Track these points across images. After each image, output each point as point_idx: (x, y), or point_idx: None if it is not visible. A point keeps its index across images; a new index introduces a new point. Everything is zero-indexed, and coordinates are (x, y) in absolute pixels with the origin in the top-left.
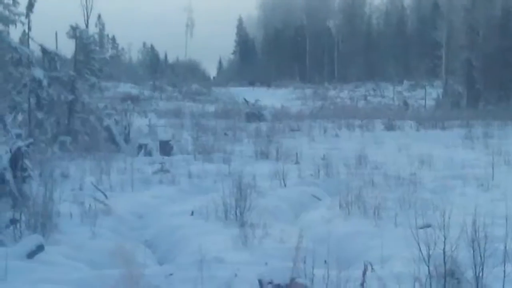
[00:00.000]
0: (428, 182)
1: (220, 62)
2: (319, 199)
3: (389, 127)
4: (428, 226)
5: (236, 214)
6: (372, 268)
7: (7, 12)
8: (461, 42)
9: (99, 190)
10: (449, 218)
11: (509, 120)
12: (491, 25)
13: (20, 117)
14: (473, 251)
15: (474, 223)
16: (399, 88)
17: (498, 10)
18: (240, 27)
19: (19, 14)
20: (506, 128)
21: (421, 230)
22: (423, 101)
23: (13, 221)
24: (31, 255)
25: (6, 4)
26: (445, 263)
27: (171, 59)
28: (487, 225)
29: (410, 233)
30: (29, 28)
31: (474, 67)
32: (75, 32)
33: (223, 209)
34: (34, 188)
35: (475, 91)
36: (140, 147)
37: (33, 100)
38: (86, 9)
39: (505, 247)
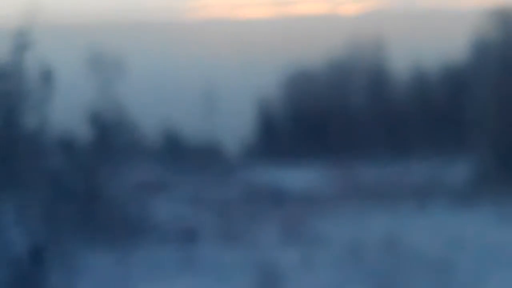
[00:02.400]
0: None
1: (243, 144)
2: None
3: None
4: None
5: None
6: None
7: None
8: None
9: None
10: None
11: None
12: None
13: (39, 209)
14: None
15: None
16: None
17: None
18: (261, 110)
19: (35, 103)
20: None
21: None
22: None
23: None
24: None
25: None
26: None
27: (193, 142)
28: None
29: None
30: (46, 116)
31: None
32: (94, 118)
33: None
34: (57, 282)
35: None
36: (164, 235)
37: (52, 191)
38: (105, 93)
39: None
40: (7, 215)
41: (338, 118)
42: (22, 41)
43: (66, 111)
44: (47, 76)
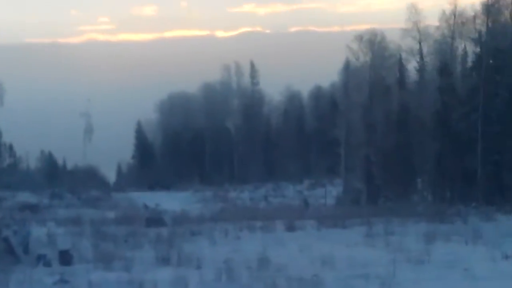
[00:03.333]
0: (331, 282)
1: (119, 167)
2: None
3: (290, 228)
4: None
5: None
6: None
7: None
8: (359, 139)
9: None
10: None
11: (409, 216)
12: (389, 121)
13: None
14: None
15: None
16: (299, 187)
17: (396, 106)
18: (139, 131)
19: None
20: (406, 224)
21: None
22: (324, 199)
23: None
24: None
25: None
26: None
27: (69, 165)
28: None
29: None
30: None
31: (373, 163)
32: None
33: None
34: None
35: (374, 187)
36: (39, 257)
37: None
38: None
39: None
40: None
41: (214, 140)
42: None
43: None
44: None
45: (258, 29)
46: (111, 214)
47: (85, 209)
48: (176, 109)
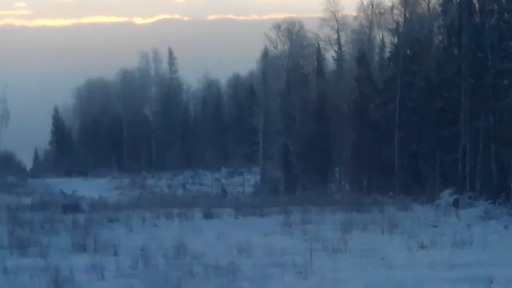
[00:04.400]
0: (247, 270)
1: (36, 153)
2: None
3: (208, 215)
4: None
5: None
6: None
7: None
8: (277, 128)
9: None
10: None
11: (326, 205)
12: (307, 110)
13: None
14: None
15: None
16: (217, 175)
17: (314, 95)
18: (56, 117)
19: None
20: (323, 213)
21: None
22: (242, 187)
23: None
24: None
25: None
26: None
27: None
28: None
29: None
30: None
31: (291, 152)
32: None
33: None
34: None
35: (292, 176)
36: None
37: None
38: None
39: None
40: None
41: (132, 128)
42: None
43: None
44: None
45: (177, 16)
46: (27, 200)
47: (1, 195)
48: (93, 95)
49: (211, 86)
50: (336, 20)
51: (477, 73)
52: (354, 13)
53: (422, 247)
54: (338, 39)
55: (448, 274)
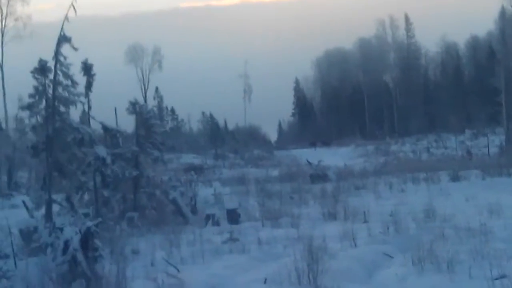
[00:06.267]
0: (500, 231)
1: (280, 125)
2: (391, 257)
3: (455, 178)
4: (504, 276)
5: (309, 278)
6: None
7: (66, 94)
8: None
9: (171, 264)
10: None
11: None
12: None
13: (86, 197)
14: None
15: None
16: (461, 138)
17: None
18: (297, 89)
19: (78, 95)
20: None
21: (497, 281)
22: (486, 149)
23: None
24: None
25: (65, 86)
26: None
27: (231, 126)
28: None
29: (486, 285)
30: (89, 107)
31: None
32: (134, 108)
33: (296, 275)
34: (106, 267)
35: None
36: (208, 217)
37: (98, 179)
38: (143, 83)
39: None
40: None
41: (372, 95)
42: None
43: (107, 101)
44: (87, 68)
45: None
46: (274, 172)
47: (249, 168)
48: (333, 65)
49: (449, 49)
50: None
51: None
52: None
53: None
54: None
55: None
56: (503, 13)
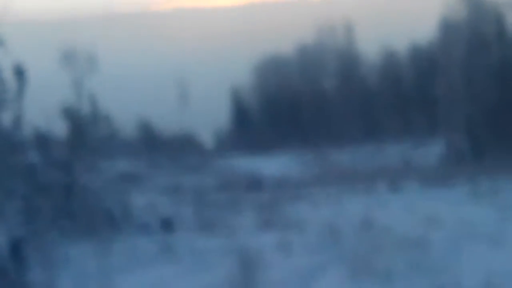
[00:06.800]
0: (439, 242)
1: (217, 133)
2: (327, 267)
3: (393, 188)
4: None
5: None
6: None
7: None
8: (459, 96)
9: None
10: None
11: None
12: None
13: (16, 204)
14: None
15: None
16: (401, 147)
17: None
18: (235, 96)
19: (10, 100)
20: None
21: None
22: (426, 158)
23: None
24: None
25: None
26: None
27: (167, 134)
28: None
29: None
30: (21, 112)
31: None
32: (68, 113)
33: (230, 286)
34: (36, 276)
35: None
36: (141, 226)
37: (29, 186)
38: (78, 89)
39: None
40: None
41: (311, 104)
42: None
43: (39, 106)
44: (19, 73)
45: None
46: (211, 181)
47: (184, 176)
48: (271, 72)
49: (390, 57)
50: None
51: None
52: None
53: None
54: None
55: None
56: (444, 22)
